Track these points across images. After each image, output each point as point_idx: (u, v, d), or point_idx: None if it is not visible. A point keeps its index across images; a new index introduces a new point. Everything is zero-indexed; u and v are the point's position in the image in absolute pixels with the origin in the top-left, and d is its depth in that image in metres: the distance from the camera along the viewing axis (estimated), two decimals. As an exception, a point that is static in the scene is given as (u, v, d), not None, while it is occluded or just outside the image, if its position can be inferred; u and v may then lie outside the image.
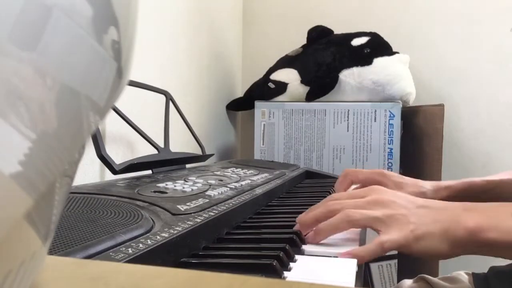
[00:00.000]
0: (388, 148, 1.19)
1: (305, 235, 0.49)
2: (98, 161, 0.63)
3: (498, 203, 0.47)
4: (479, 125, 1.42)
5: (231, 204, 0.53)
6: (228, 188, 0.62)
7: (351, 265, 0.40)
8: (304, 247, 0.46)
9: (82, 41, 0.14)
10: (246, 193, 0.62)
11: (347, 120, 1.22)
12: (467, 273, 0.69)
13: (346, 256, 0.43)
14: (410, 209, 0.47)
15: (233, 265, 0.37)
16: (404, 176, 0.73)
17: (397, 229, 0.45)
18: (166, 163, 0.78)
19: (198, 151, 0.95)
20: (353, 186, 0.76)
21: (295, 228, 0.50)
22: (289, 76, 1.29)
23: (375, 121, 1.20)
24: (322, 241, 0.48)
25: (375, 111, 1.20)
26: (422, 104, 1.31)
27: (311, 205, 0.63)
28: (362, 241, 0.50)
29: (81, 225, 0.37)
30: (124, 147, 0.89)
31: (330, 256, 0.44)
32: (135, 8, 0.17)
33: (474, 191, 0.71)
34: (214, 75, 1.37)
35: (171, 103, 0.89)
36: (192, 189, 0.58)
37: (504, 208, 0.46)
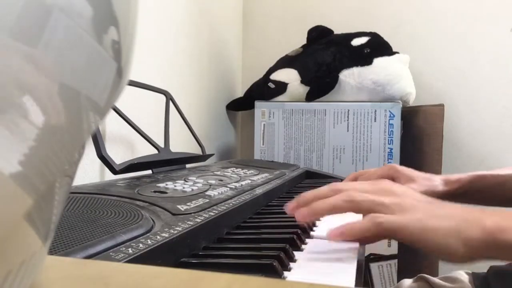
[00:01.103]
0: (388, 148, 1.19)
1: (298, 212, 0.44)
2: (98, 161, 0.63)
3: None
4: (479, 125, 1.42)
5: (231, 204, 0.53)
6: (228, 188, 0.62)
7: (351, 266, 0.40)
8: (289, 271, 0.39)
9: (82, 41, 0.14)
10: (246, 193, 0.62)
11: (347, 120, 1.22)
12: (467, 273, 0.69)
13: (338, 231, 0.40)
14: (420, 202, 0.42)
15: (233, 265, 0.37)
16: (414, 170, 0.74)
17: (401, 213, 0.40)
18: (166, 163, 0.78)
19: (198, 151, 0.95)
20: None
21: (289, 207, 0.45)
22: (289, 76, 1.29)
23: (375, 121, 1.20)
24: (314, 257, 0.41)
25: (375, 111, 1.20)
26: (422, 104, 1.31)
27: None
28: (361, 254, 0.43)
29: (81, 225, 0.37)
30: (124, 147, 0.89)
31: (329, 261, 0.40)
32: (135, 8, 0.17)
33: (483, 184, 0.71)
34: (214, 75, 1.37)
35: (171, 103, 0.89)
36: (192, 189, 0.58)
37: None
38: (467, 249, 0.38)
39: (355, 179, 0.77)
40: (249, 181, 0.71)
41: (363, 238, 0.42)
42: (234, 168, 0.87)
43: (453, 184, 0.71)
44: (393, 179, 0.73)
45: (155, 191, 0.55)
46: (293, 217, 0.52)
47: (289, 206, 0.46)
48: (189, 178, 0.68)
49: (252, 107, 1.31)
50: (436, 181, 0.71)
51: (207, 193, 0.57)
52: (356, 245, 0.44)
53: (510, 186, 0.70)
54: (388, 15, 1.48)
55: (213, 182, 0.66)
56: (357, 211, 0.44)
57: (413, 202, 0.41)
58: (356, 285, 0.36)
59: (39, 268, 0.18)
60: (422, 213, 0.40)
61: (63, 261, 0.24)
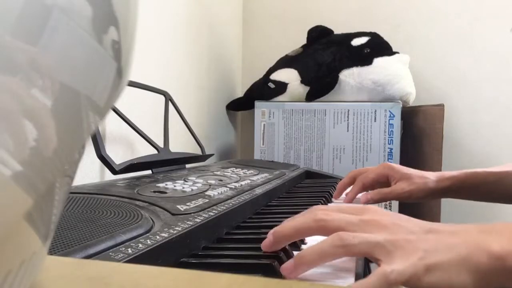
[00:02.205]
0: (388, 148, 1.19)
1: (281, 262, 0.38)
2: (98, 161, 0.63)
3: None
4: (479, 125, 1.42)
5: (231, 204, 0.53)
6: (228, 188, 0.62)
7: (351, 266, 0.40)
8: None
9: (82, 41, 0.14)
10: (246, 193, 0.62)
11: (347, 120, 1.22)
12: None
13: None
14: (417, 234, 0.37)
15: (233, 265, 0.37)
16: (410, 168, 0.75)
17: (402, 258, 0.35)
18: (166, 163, 0.78)
19: (198, 151, 0.95)
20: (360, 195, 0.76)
21: (264, 244, 0.40)
22: (289, 76, 1.29)
23: (375, 121, 1.20)
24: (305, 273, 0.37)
25: (375, 111, 1.20)
26: (422, 104, 1.31)
27: (311, 205, 0.63)
28: (358, 271, 0.40)
29: (81, 225, 0.37)
30: (124, 147, 0.89)
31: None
32: (135, 8, 0.17)
33: (476, 182, 0.72)
34: (214, 75, 1.37)
35: (170, 103, 0.89)
36: (192, 189, 0.58)
37: None
38: (475, 280, 0.34)
39: (354, 178, 0.78)
40: (249, 181, 0.71)
41: None
42: (234, 168, 0.87)
43: (447, 181, 0.72)
44: (388, 177, 0.75)
45: (154, 191, 0.55)
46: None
47: (265, 244, 0.40)
48: (189, 178, 0.68)
49: (252, 107, 1.31)
50: (429, 178, 0.72)
51: (206, 193, 0.57)
52: (351, 277, 0.39)
53: (504, 183, 0.71)
54: (388, 15, 1.48)
55: (212, 182, 0.66)
56: (351, 255, 0.39)
57: (409, 237, 0.37)
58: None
59: (39, 268, 0.18)
60: (422, 251, 0.36)
61: (63, 261, 0.24)
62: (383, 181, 0.76)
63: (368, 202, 0.72)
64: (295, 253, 0.42)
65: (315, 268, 0.38)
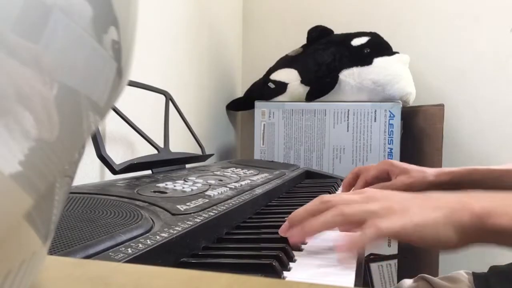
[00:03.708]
0: (388, 148, 1.19)
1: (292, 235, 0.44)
2: (98, 161, 0.63)
3: (503, 191, 0.43)
4: (479, 125, 1.42)
5: (231, 204, 0.53)
6: (228, 188, 0.62)
7: (350, 266, 0.40)
8: (296, 259, 0.41)
9: (82, 41, 0.14)
10: (246, 193, 0.62)
11: (347, 120, 1.22)
12: (467, 273, 0.69)
13: (344, 245, 0.40)
14: (408, 200, 0.43)
15: (233, 265, 0.37)
16: (409, 164, 0.78)
17: (394, 218, 0.41)
18: (166, 163, 0.78)
19: (198, 151, 0.95)
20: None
21: (282, 229, 0.45)
22: (289, 76, 1.29)
23: (375, 121, 1.20)
24: (314, 257, 0.42)
25: (375, 111, 1.20)
26: (422, 104, 1.31)
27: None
28: (360, 260, 0.43)
29: (81, 225, 0.37)
30: (124, 147, 0.89)
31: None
32: (135, 8, 0.17)
33: (476, 178, 0.73)
34: (214, 75, 1.37)
35: (170, 103, 0.89)
36: (192, 189, 0.58)
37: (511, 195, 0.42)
38: (459, 235, 0.39)
39: (357, 174, 0.80)
40: (249, 181, 0.71)
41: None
42: (234, 168, 0.87)
43: (446, 176, 0.74)
44: (388, 172, 0.78)
45: (154, 191, 0.55)
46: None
47: (282, 229, 0.46)
48: (189, 178, 0.68)
49: (252, 107, 1.31)
50: (428, 173, 0.75)
51: (206, 193, 0.57)
52: (353, 266, 0.43)
53: (504, 180, 0.72)
54: (388, 15, 1.48)
55: (212, 182, 0.66)
56: (349, 223, 0.44)
57: (400, 202, 0.42)
58: (356, 285, 0.36)
59: (39, 268, 0.18)
60: (412, 211, 0.41)
61: (63, 261, 0.24)
62: (384, 177, 0.79)
63: None
64: (295, 253, 0.42)
65: (317, 267, 0.39)
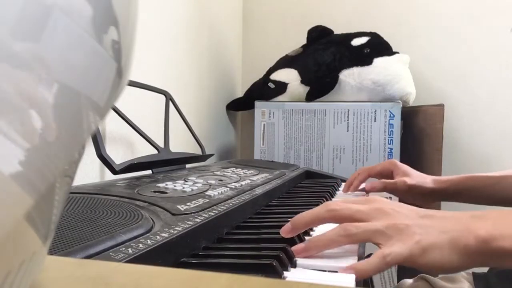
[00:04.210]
0: (388, 148, 1.19)
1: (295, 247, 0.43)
2: (98, 161, 0.63)
3: (508, 210, 0.43)
4: (479, 125, 1.42)
5: (231, 204, 0.53)
6: (228, 188, 0.62)
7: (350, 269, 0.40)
8: (297, 259, 0.41)
9: (82, 41, 0.14)
10: (246, 193, 0.62)
11: (347, 120, 1.22)
12: (467, 273, 0.69)
13: (347, 271, 0.39)
14: (413, 219, 0.43)
15: (233, 265, 0.37)
16: (412, 169, 0.81)
17: (400, 241, 0.41)
18: (166, 163, 0.78)
19: (198, 151, 0.95)
20: (362, 185, 0.84)
21: (284, 230, 0.45)
22: (289, 76, 1.29)
23: (375, 121, 1.20)
24: (314, 257, 0.42)
25: (375, 111, 1.20)
26: (422, 104, 1.31)
27: (311, 205, 0.63)
28: (361, 253, 0.46)
29: (81, 225, 0.37)
30: (124, 147, 0.89)
31: (327, 271, 0.40)
32: (135, 8, 0.17)
33: (474, 185, 0.74)
34: (214, 75, 1.37)
35: (171, 103, 0.89)
36: (192, 189, 0.58)
37: None
38: (462, 259, 0.40)
39: (366, 175, 0.83)
40: (249, 181, 0.71)
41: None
42: (234, 168, 0.87)
43: (444, 183, 0.76)
44: (391, 172, 0.82)
45: (155, 191, 0.55)
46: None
47: (284, 229, 0.46)
48: (189, 178, 0.68)
49: (252, 107, 1.31)
50: (428, 180, 0.77)
51: (207, 193, 0.57)
52: (356, 245, 0.45)
53: (502, 186, 0.72)
54: (388, 15, 1.48)
55: (213, 182, 0.66)
56: (355, 242, 0.44)
57: (406, 221, 0.42)
58: (356, 285, 0.36)
59: (39, 268, 0.18)
60: (418, 235, 0.41)
61: (63, 261, 0.24)
62: (387, 175, 0.83)
63: (372, 189, 0.80)
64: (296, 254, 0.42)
65: (317, 267, 0.40)
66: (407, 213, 0.44)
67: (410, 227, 0.41)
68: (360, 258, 0.43)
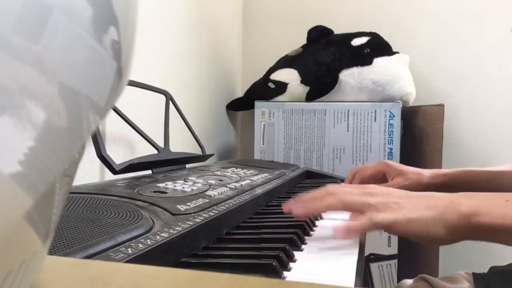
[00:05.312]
0: (388, 148, 1.19)
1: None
2: (98, 161, 0.63)
3: (496, 193, 0.47)
4: (479, 125, 1.42)
5: (231, 204, 0.53)
6: (228, 188, 0.62)
7: (351, 266, 0.40)
8: (292, 266, 0.40)
9: (82, 40, 0.14)
10: (246, 193, 0.62)
11: (347, 120, 1.22)
12: (467, 273, 0.69)
13: (340, 229, 0.45)
14: (404, 199, 0.47)
15: (233, 265, 0.37)
16: (406, 166, 0.81)
17: (388, 212, 0.46)
18: (166, 163, 0.78)
19: (198, 151, 0.95)
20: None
21: (286, 206, 0.51)
22: (289, 76, 1.29)
23: (375, 121, 1.20)
24: (314, 257, 0.43)
25: (375, 111, 1.20)
26: (422, 104, 1.31)
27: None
28: (362, 246, 0.49)
29: (81, 225, 0.37)
30: (124, 147, 0.89)
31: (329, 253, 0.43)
32: (135, 8, 0.17)
33: (470, 179, 0.75)
34: (214, 75, 1.37)
35: (171, 103, 0.89)
36: (192, 189, 0.58)
37: (500, 196, 0.46)
38: (447, 232, 0.44)
39: (355, 174, 0.83)
40: (249, 181, 0.71)
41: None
42: (234, 168, 0.87)
43: (441, 177, 0.76)
44: (384, 173, 0.81)
45: (155, 191, 0.55)
46: (293, 217, 0.52)
47: (287, 205, 0.51)
48: (189, 178, 0.68)
49: (252, 107, 1.31)
50: (424, 174, 0.77)
51: (207, 193, 0.57)
52: (356, 245, 0.45)
53: (499, 181, 0.73)
54: (388, 15, 1.48)
55: (213, 182, 0.66)
56: (348, 210, 0.50)
57: (396, 199, 0.47)
58: (356, 285, 0.36)
59: (39, 268, 0.18)
60: (406, 208, 0.46)
61: (63, 261, 0.24)
62: (380, 177, 0.82)
63: None
64: (295, 253, 0.42)
65: (317, 267, 0.39)
66: (399, 194, 0.49)
67: (400, 204, 0.46)
68: (360, 259, 0.43)
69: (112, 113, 0.71)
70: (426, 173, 0.78)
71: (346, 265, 0.40)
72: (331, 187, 0.52)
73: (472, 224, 0.43)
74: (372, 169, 0.82)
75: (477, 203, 0.44)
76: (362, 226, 0.45)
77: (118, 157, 0.83)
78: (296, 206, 0.50)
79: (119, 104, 0.71)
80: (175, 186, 0.59)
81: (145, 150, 0.80)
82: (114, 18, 0.15)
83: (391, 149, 1.19)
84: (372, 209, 0.47)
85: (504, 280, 0.63)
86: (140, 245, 0.35)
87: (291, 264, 0.39)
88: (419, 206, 0.46)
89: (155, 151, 0.77)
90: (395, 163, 0.81)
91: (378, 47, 1.27)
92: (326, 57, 1.26)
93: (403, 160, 1.19)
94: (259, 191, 0.65)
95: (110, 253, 0.32)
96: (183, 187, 0.59)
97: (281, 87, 1.30)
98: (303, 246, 0.46)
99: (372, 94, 1.23)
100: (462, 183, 0.75)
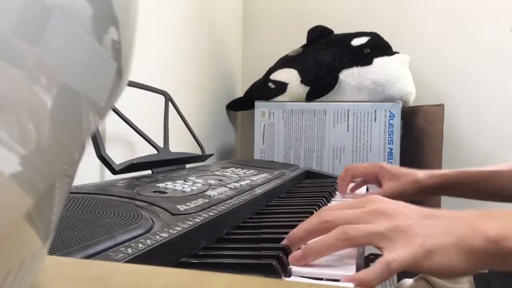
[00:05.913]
0: (388, 148, 1.19)
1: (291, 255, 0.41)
2: (98, 161, 0.63)
3: (508, 210, 0.41)
4: (479, 125, 1.42)
5: (230, 204, 0.53)
6: (228, 188, 0.62)
7: (350, 266, 0.40)
8: (291, 266, 0.39)
9: (82, 41, 0.14)
10: (246, 193, 0.62)
11: (347, 120, 1.22)
12: (467, 273, 0.69)
13: (349, 281, 0.36)
14: (416, 220, 0.40)
15: (233, 265, 0.37)
16: (400, 167, 0.78)
17: (403, 245, 0.38)
18: (166, 163, 0.78)
19: (198, 151, 0.95)
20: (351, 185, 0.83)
21: (284, 242, 0.43)
22: (289, 76, 1.29)
23: (375, 121, 1.20)
24: (313, 262, 0.40)
25: (375, 111, 1.20)
26: (422, 104, 1.31)
27: (311, 205, 0.63)
28: (360, 252, 0.43)
29: (81, 225, 0.37)
30: (124, 147, 0.89)
31: (324, 279, 0.38)
32: (135, 8, 0.17)
33: (467, 180, 0.73)
34: (214, 75, 1.37)
35: (170, 104, 0.89)
36: (191, 189, 0.58)
37: None
38: (470, 261, 0.37)
39: (350, 177, 0.81)
40: (249, 181, 0.71)
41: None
42: (234, 168, 0.87)
43: (437, 178, 0.74)
44: (377, 175, 0.78)
45: (154, 191, 0.55)
46: (293, 217, 0.52)
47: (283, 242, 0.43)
48: (189, 178, 0.68)
49: (252, 107, 1.31)
50: (418, 175, 0.75)
51: (206, 193, 0.57)
52: (353, 263, 0.42)
53: (496, 181, 0.72)
54: (388, 15, 1.48)
55: (212, 182, 0.66)
56: (355, 246, 0.42)
57: (409, 222, 0.39)
58: (356, 285, 0.36)
59: (39, 268, 0.18)
60: (422, 236, 0.38)
61: (63, 261, 0.24)
62: (372, 178, 0.80)
63: None
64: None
65: (317, 267, 0.39)
66: (409, 213, 0.41)
67: (413, 228, 0.39)
68: (359, 258, 0.42)
69: (112, 113, 0.71)
70: (420, 174, 0.75)
71: (346, 265, 0.40)
72: (325, 213, 0.43)
73: (501, 249, 0.37)
74: (365, 167, 0.80)
75: (503, 224, 0.38)
76: (378, 278, 0.36)
77: (118, 157, 0.83)
78: (294, 255, 0.40)
79: (118, 105, 0.71)
80: (175, 186, 0.59)
81: (145, 150, 0.80)
82: (114, 18, 0.15)
83: (391, 149, 1.19)
84: (383, 239, 0.39)
85: (504, 280, 0.63)
86: (140, 245, 0.35)
87: (285, 274, 0.39)
88: (436, 232, 0.38)
89: (155, 151, 0.77)
90: (389, 166, 0.78)
91: (378, 47, 1.27)
92: (326, 57, 1.26)
93: (403, 160, 1.19)
94: (259, 191, 0.65)
95: (110, 253, 0.32)
96: (183, 187, 0.59)
97: (281, 87, 1.30)
98: (303, 246, 0.46)
99: (372, 94, 1.23)
100: (461, 183, 0.74)
